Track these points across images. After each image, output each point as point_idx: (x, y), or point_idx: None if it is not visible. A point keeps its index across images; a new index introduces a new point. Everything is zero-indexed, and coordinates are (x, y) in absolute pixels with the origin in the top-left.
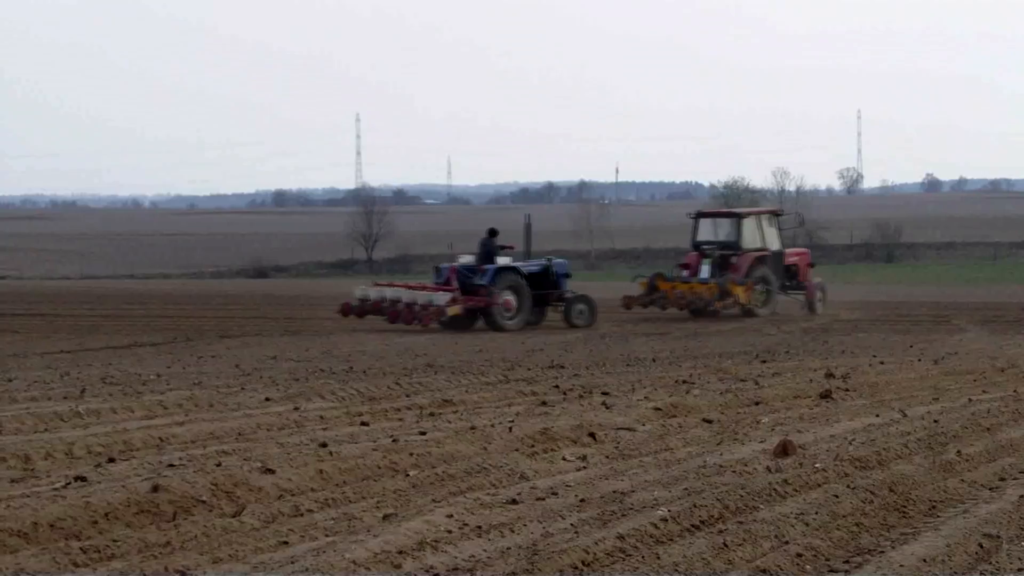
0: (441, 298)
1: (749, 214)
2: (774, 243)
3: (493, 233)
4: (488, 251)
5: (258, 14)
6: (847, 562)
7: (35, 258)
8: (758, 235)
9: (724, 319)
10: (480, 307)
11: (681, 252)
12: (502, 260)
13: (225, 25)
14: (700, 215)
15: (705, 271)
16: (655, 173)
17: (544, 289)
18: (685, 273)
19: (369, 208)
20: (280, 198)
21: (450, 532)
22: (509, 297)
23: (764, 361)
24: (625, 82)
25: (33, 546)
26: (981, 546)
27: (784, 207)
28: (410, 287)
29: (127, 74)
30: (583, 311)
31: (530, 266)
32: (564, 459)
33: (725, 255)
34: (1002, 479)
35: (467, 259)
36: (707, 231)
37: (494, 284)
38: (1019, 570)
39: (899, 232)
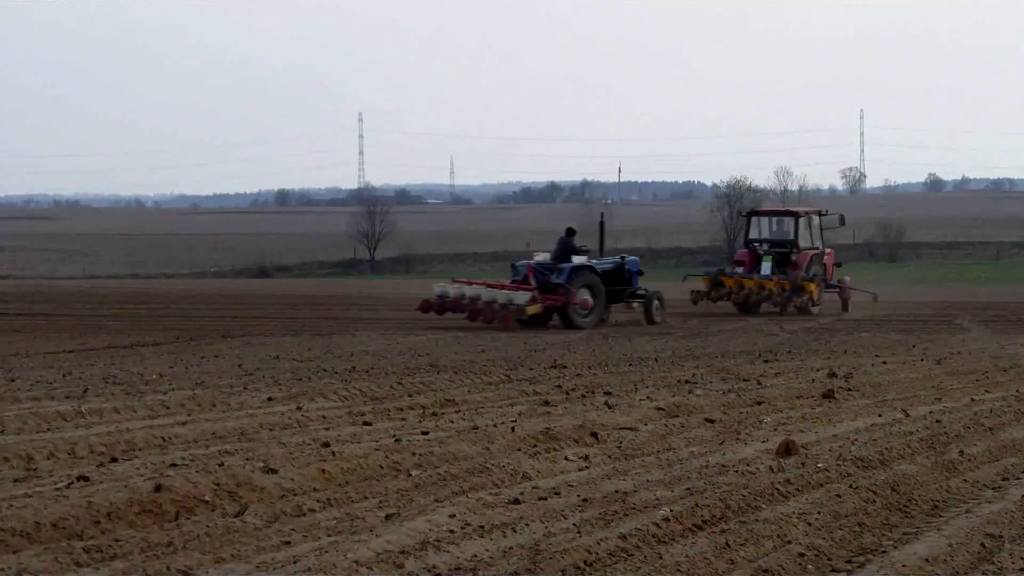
0: (521, 297)
1: (806, 213)
2: (818, 242)
3: (571, 232)
4: (565, 249)
5: (261, 13)
6: (849, 562)
7: (38, 258)
8: (808, 234)
9: (725, 319)
10: (557, 306)
11: (684, 251)
12: (578, 259)
13: (227, 24)
14: (753, 213)
15: (767, 268)
16: (658, 173)
17: (617, 286)
18: (740, 270)
19: (372, 208)
20: (283, 198)
21: (452, 532)
22: (587, 296)
23: (766, 361)
24: (627, 82)
25: (36, 546)
26: (983, 546)
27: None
28: (490, 285)
29: (129, 74)
30: (659, 307)
31: (604, 264)
32: (566, 459)
33: (783, 253)
34: (1005, 479)
35: (542, 257)
36: (762, 229)
37: (571, 282)
38: (1022, 570)
39: (902, 232)
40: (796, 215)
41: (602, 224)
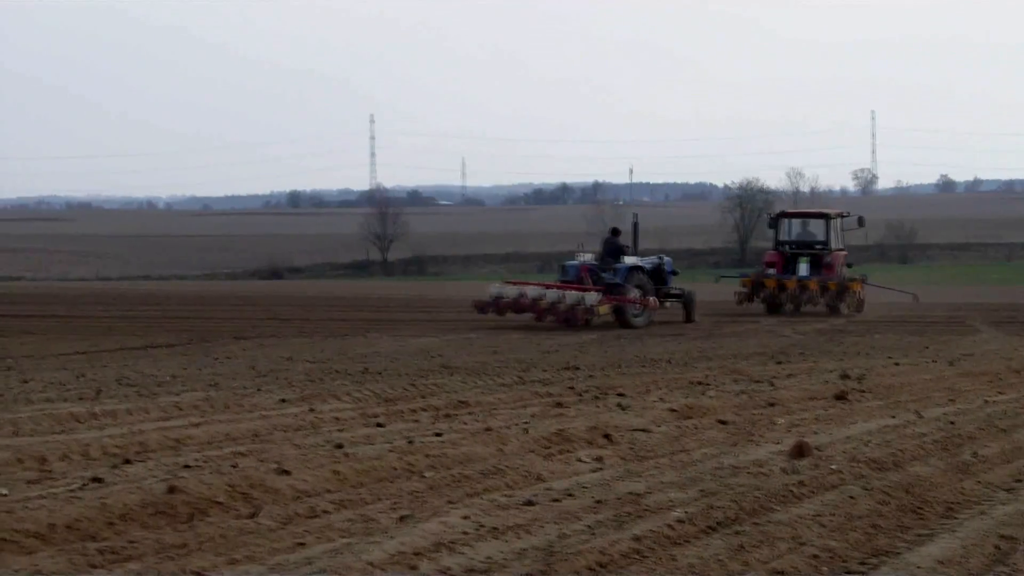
0: (592, 297)
1: (836, 215)
2: (841, 243)
3: (616, 232)
4: (613, 250)
5: (272, 14)
6: (863, 563)
7: (51, 259)
8: (836, 235)
9: (739, 320)
10: (619, 305)
11: (696, 253)
12: (629, 259)
13: (238, 24)
14: (784, 215)
15: (804, 269)
16: (669, 174)
17: (656, 286)
18: (772, 271)
19: (383, 209)
20: (295, 199)
21: (466, 533)
22: (639, 295)
23: (779, 362)
24: (639, 83)
25: (49, 547)
26: (997, 548)
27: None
28: (546, 286)
29: (141, 75)
30: (693, 306)
31: (646, 264)
32: (580, 460)
33: (814, 254)
34: (1018, 480)
35: (586, 257)
36: (792, 231)
37: (626, 282)
38: None
39: (913, 233)
40: (828, 217)
41: (636, 225)
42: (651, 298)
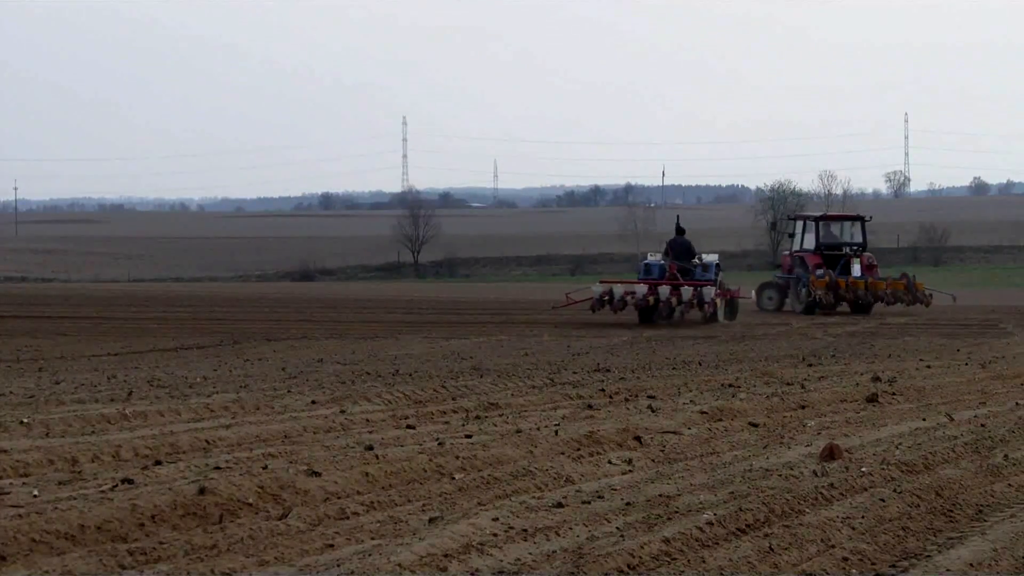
0: (709, 292)
1: (869, 217)
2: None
3: (682, 231)
4: (685, 248)
5: (306, 19)
6: (893, 566)
7: (83, 261)
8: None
9: (770, 323)
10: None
11: (728, 256)
12: (708, 257)
13: (272, 29)
14: (824, 218)
15: (856, 269)
16: (701, 176)
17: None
18: (820, 272)
19: (415, 211)
20: (327, 201)
21: (496, 535)
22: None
23: (810, 365)
24: (671, 86)
25: (80, 548)
26: None
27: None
28: (649, 283)
29: (174, 78)
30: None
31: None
32: (610, 462)
33: (850, 256)
34: None
35: (656, 257)
36: (832, 233)
37: (716, 278)
38: None
39: (946, 235)
40: (863, 219)
41: (681, 227)
42: (738, 291)
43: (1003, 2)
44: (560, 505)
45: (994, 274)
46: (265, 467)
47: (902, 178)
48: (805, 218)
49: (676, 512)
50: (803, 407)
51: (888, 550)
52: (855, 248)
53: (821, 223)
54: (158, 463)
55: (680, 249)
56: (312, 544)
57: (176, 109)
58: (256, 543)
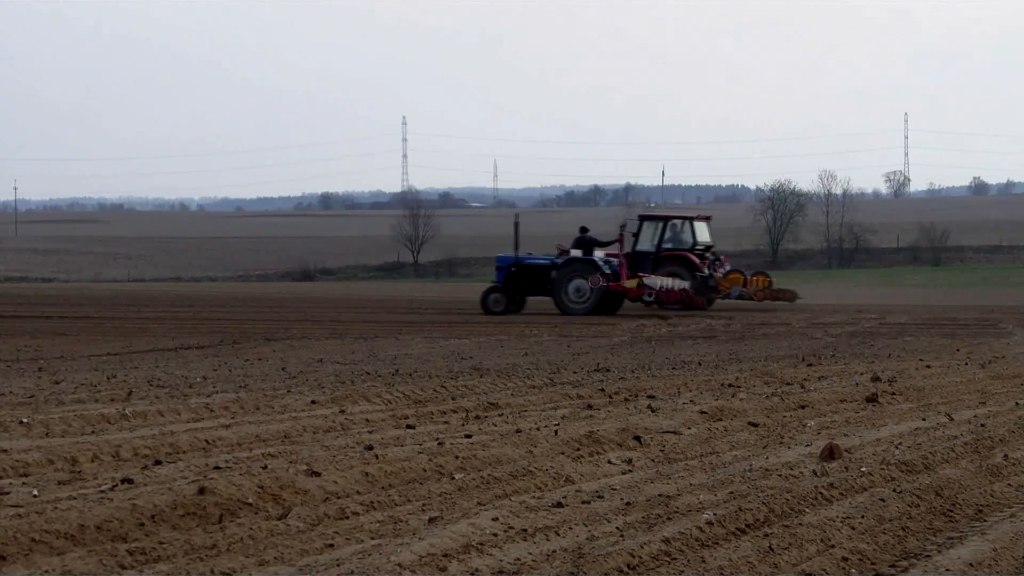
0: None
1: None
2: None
3: (585, 230)
4: (588, 243)
5: (306, 17)
6: (893, 566)
7: (83, 261)
8: None
9: (770, 324)
10: None
11: (727, 255)
12: (598, 253)
13: (271, 28)
14: (670, 218)
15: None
16: (701, 176)
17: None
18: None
19: (415, 211)
20: (326, 201)
21: (495, 535)
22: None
23: (810, 364)
24: (670, 86)
25: (80, 548)
26: None
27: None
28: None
29: (174, 77)
30: None
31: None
32: (609, 462)
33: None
34: None
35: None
36: (678, 233)
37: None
38: None
39: (946, 235)
40: (708, 218)
41: (516, 225)
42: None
43: (1003, 2)
44: (560, 505)
45: (993, 273)
46: (265, 467)
47: (902, 178)
48: (652, 218)
49: (676, 512)
50: (803, 407)
51: (888, 550)
52: (702, 248)
53: (668, 223)
54: (158, 463)
55: (582, 244)
56: (312, 544)
57: (176, 109)
58: (256, 543)
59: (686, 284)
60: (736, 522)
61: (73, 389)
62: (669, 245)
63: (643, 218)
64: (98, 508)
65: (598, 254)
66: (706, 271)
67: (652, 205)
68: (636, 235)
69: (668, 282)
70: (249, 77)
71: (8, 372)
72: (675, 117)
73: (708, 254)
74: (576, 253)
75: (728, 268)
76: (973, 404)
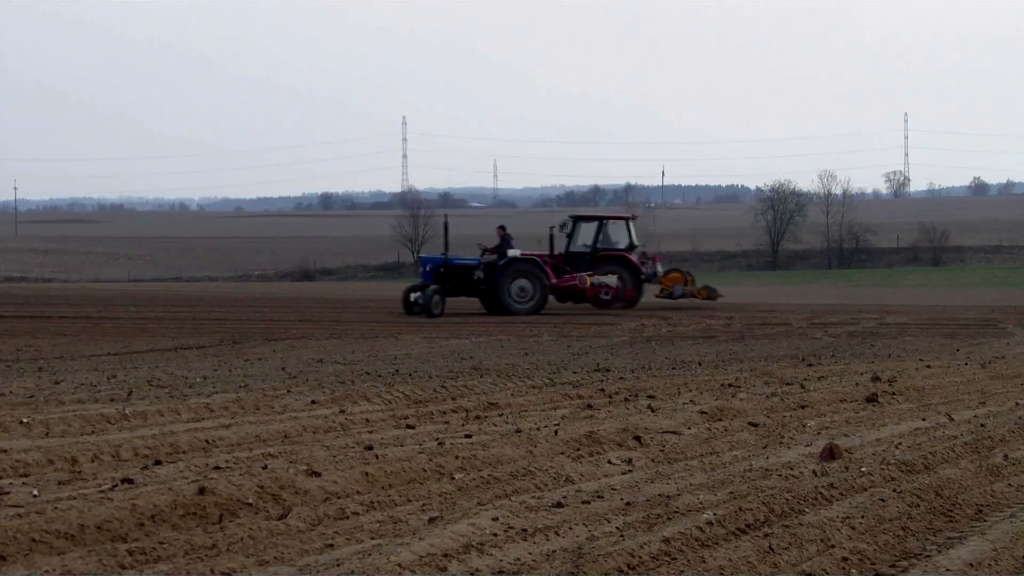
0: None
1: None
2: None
3: (503, 227)
4: (506, 244)
5: (306, 18)
6: (893, 566)
7: (82, 261)
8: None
9: (771, 323)
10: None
11: (728, 255)
12: (511, 252)
13: (271, 28)
14: (599, 218)
15: (656, 268)
16: (701, 176)
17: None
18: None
19: (415, 211)
20: (326, 201)
21: (495, 535)
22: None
23: (810, 364)
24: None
25: (80, 548)
26: None
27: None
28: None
29: (173, 78)
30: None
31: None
32: (609, 462)
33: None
34: None
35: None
36: (607, 233)
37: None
38: None
39: (946, 235)
40: (630, 219)
41: (446, 226)
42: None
43: (1004, 2)
44: (560, 505)
45: (993, 273)
46: (265, 467)
47: (902, 178)
48: (588, 218)
49: (676, 512)
50: (803, 407)
51: (888, 550)
52: (625, 248)
53: (604, 224)
54: (158, 463)
55: (508, 245)
56: (312, 544)
57: (176, 109)
58: (256, 543)
59: (629, 283)
60: (736, 522)
61: (73, 389)
62: (602, 246)
63: (578, 219)
64: (98, 508)
65: (513, 253)
66: (644, 271)
67: (652, 205)
68: (570, 236)
69: (612, 280)
70: (249, 77)
71: (8, 372)
72: (675, 117)
73: (634, 255)
74: (514, 252)
75: (660, 268)
76: (973, 404)
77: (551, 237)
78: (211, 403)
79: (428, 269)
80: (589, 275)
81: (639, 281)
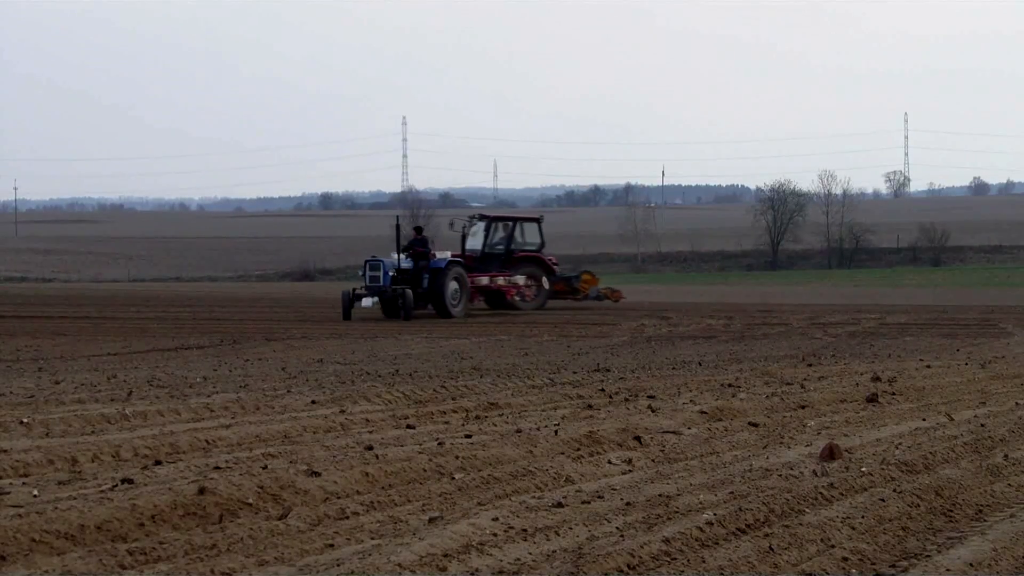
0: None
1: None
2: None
3: (420, 228)
4: (422, 244)
5: (306, 19)
6: (893, 566)
7: (83, 261)
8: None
9: (771, 323)
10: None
11: (728, 255)
12: (440, 255)
13: (274, 31)
14: (498, 218)
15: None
16: (701, 176)
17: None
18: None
19: (415, 211)
20: (327, 201)
21: (495, 535)
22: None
23: (810, 364)
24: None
25: (80, 548)
26: None
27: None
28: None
29: (174, 78)
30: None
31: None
32: (610, 462)
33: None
34: None
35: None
36: (509, 233)
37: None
38: None
39: (946, 236)
40: (539, 219)
41: (398, 227)
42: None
43: (1004, 2)
44: (560, 505)
45: (993, 274)
46: (265, 467)
47: (902, 178)
48: (501, 218)
49: (676, 512)
50: (803, 407)
51: (888, 550)
52: (532, 249)
53: (499, 223)
54: (158, 463)
55: (422, 244)
56: (312, 544)
57: (176, 109)
58: (256, 543)
59: (546, 284)
60: (736, 522)
61: (73, 389)
62: (513, 247)
63: (489, 219)
64: (98, 508)
65: (444, 256)
66: (557, 272)
67: (652, 205)
68: (464, 235)
69: (521, 280)
70: (250, 77)
71: (8, 372)
72: (675, 117)
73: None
74: (445, 255)
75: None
76: (973, 404)
77: (463, 237)
78: (211, 403)
79: (384, 272)
80: (506, 276)
81: (552, 280)
